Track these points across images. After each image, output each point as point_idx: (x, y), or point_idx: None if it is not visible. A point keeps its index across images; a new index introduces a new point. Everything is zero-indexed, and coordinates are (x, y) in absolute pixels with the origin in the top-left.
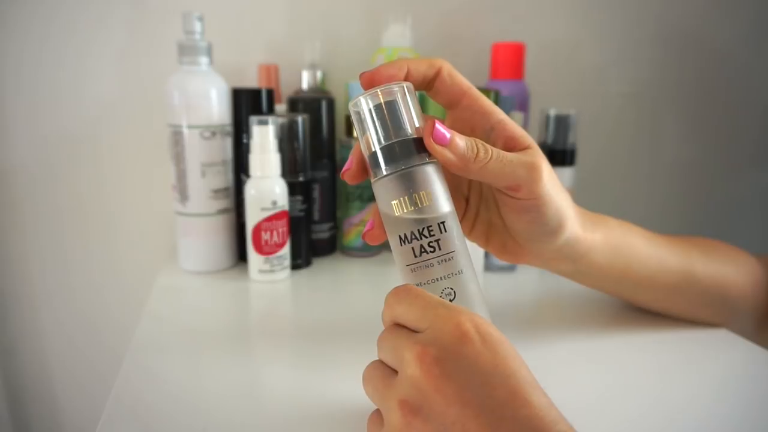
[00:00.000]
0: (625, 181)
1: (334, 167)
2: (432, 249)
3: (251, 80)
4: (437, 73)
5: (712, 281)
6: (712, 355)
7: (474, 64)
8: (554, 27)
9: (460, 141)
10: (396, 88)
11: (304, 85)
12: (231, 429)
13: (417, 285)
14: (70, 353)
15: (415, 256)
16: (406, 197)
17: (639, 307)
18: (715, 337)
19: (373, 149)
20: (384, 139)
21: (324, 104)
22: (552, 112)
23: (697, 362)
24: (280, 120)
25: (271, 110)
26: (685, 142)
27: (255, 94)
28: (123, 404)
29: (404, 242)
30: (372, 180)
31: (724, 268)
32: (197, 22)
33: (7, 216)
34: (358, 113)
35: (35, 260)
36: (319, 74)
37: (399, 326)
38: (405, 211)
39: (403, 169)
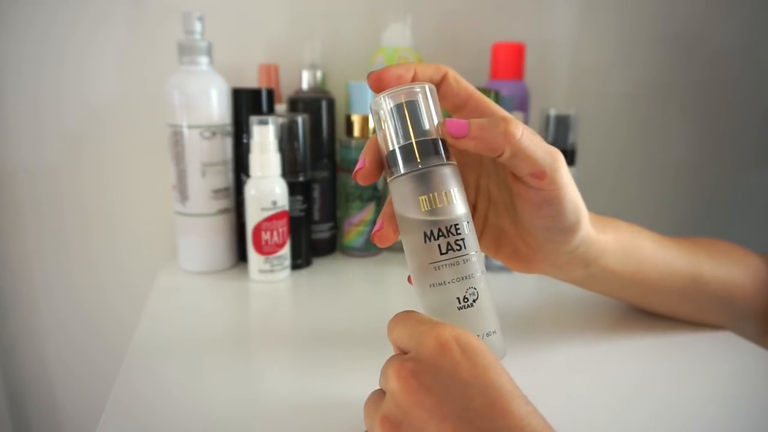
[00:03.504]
0: (626, 182)
1: (334, 167)
2: (458, 247)
3: (251, 80)
4: (443, 78)
5: (719, 284)
6: (715, 358)
7: (474, 64)
8: (554, 27)
9: (490, 121)
10: (418, 89)
11: (304, 85)
12: (231, 429)
13: (439, 284)
14: (71, 353)
15: (441, 254)
16: (435, 194)
17: (646, 311)
18: (719, 340)
19: (399, 145)
20: (412, 137)
21: (324, 104)
22: (552, 112)
23: (700, 365)
24: (280, 120)
25: (271, 110)
26: (686, 141)
27: (255, 94)
28: (123, 404)
29: (429, 239)
30: (390, 177)
31: (730, 270)
32: (197, 22)
33: (7, 216)
34: (380, 112)
35: (35, 260)
36: (319, 74)
37: (398, 350)
38: (433, 207)
39: (432, 166)
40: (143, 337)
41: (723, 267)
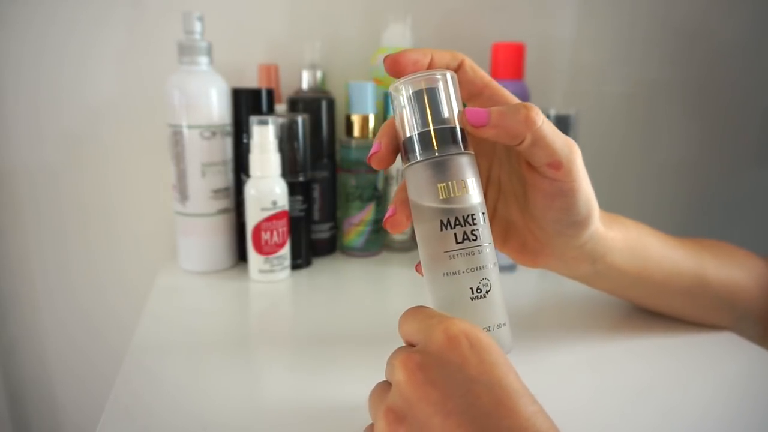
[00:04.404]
0: (626, 181)
1: (334, 167)
2: (474, 237)
3: (251, 80)
4: (460, 65)
5: (722, 285)
6: (718, 359)
7: None
8: (554, 27)
9: (510, 108)
10: (439, 76)
11: (304, 85)
12: (230, 429)
13: (453, 273)
14: (71, 353)
15: (457, 243)
16: (453, 182)
17: (649, 311)
18: (720, 340)
19: (418, 132)
20: (431, 124)
21: (324, 104)
22: (552, 112)
23: (703, 366)
24: (280, 120)
25: (271, 110)
26: (686, 141)
27: (255, 94)
28: (123, 404)
29: (445, 227)
30: (407, 164)
31: (733, 272)
32: (197, 22)
33: (7, 216)
34: (399, 97)
35: (35, 260)
36: (319, 74)
37: (407, 344)
38: (450, 196)
39: (450, 154)
40: (143, 337)
41: (726, 268)
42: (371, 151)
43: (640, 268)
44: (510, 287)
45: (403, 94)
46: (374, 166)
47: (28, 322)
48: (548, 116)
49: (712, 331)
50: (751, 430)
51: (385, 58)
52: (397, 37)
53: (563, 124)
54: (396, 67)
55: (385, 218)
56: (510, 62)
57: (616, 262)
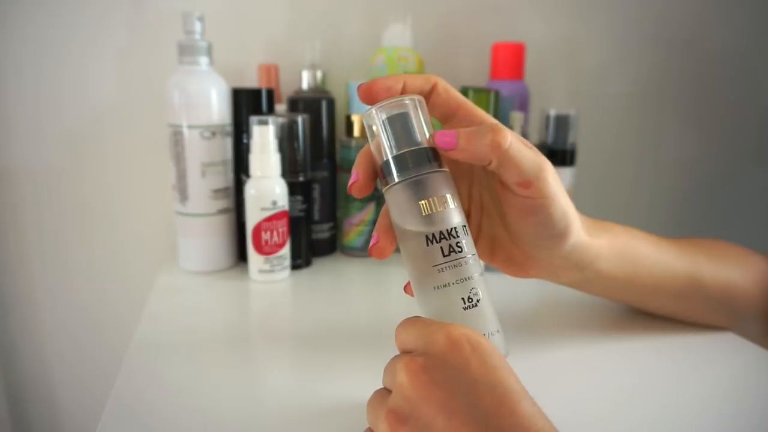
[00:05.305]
0: (625, 181)
1: (334, 167)
2: (459, 249)
3: (251, 80)
4: (433, 88)
5: (718, 286)
6: (718, 359)
7: (474, 64)
8: (554, 27)
9: (478, 132)
10: (408, 101)
11: (304, 85)
12: (231, 429)
13: (443, 286)
14: (71, 353)
15: (443, 256)
16: (433, 198)
17: (645, 312)
18: (721, 340)
19: (394, 155)
20: (405, 146)
21: (324, 104)
22: (552, 112)
23: (703, 366)
24: (280, 120)
25: (271, 110)
26: (685, 141)
27: (255, 94)
28: (123, 404)
29: (431, 242)
30: (386, 187)
31: (730, 271)
32: (197, 22)
33: (8, 216)
34: (372, 125)
35: (35, 260)
36: (319, 74)
37: (404, 352)
38: (432, 212)
39: (427, 173)
40: (143, 336)
41: (723, 268)
42: (350, 181)
43: (630, 272)
44: (506, 289)
45: (375, 122)
46: (355, 194)
47: (28, 322)
48: (548, 116)
49: (713, 331)
50: (752, 430)
51: (359, 87)
52: (397, 37)
53: (563, 124)
54: (369, 95)
55: (369, 247)
56: (510, 62)
57: (605, 268)
